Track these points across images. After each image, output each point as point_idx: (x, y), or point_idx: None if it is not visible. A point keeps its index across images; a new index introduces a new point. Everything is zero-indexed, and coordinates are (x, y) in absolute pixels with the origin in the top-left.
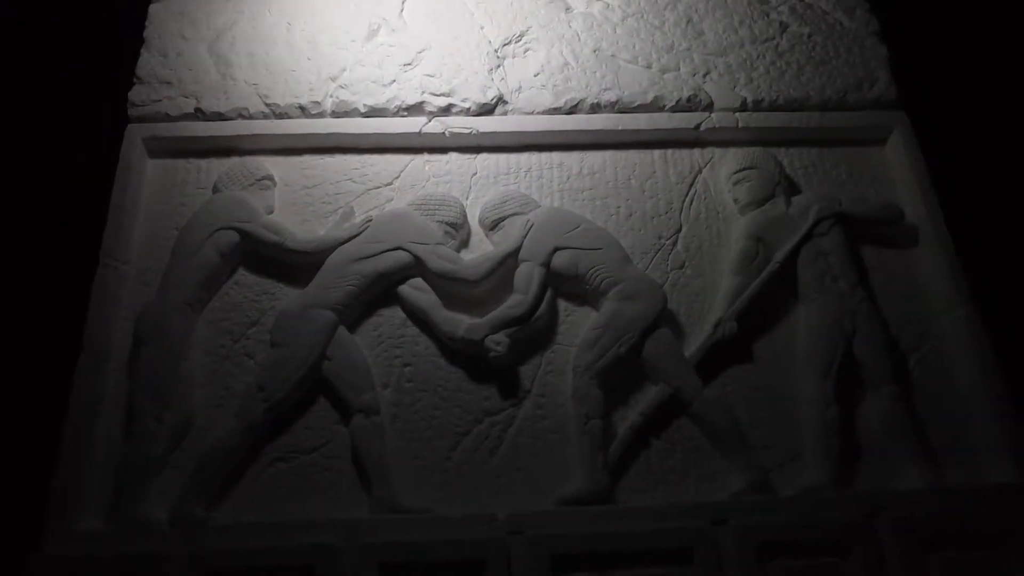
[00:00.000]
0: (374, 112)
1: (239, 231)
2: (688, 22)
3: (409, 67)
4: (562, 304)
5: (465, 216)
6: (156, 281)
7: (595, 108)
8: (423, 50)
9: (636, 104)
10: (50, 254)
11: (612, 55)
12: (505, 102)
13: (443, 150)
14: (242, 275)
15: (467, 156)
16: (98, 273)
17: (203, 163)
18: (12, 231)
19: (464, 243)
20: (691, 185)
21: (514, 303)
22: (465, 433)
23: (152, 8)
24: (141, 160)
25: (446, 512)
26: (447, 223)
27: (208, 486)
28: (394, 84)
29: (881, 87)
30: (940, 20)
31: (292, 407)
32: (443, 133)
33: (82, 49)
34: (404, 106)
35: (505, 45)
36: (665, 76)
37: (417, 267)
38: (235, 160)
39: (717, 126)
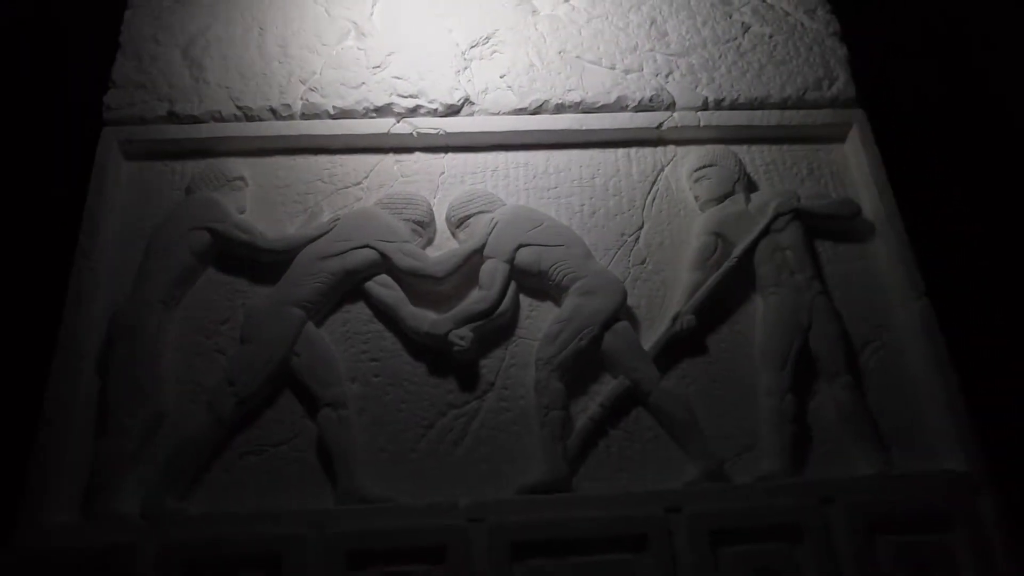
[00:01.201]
0: (343, 114)
1: (211, 231)
2: (652, 23)
3: (378, 69)
4: (526, 299)
5: (432, 214)
6: (130, 280)
7: (560, 108)
8: (392, 53)
9: (600, 104)
10: (25, 254)
11: (577, 56)
12: (472, 103)
13: (411, 150)
14: (213, 274)
15: (435, 156)
16: (73, 273)
17: (177, 165)
18: None
19: (430, 241)
20: (653, 183)
21: (478, 299)
22: (430, 425)
23: (127, 14)
24: (117, 162)
25: (410, 501)
26: (414, 221)
27: (179, 479)
28: (363, 86)
29: (840, 86)
30: (898, 21)
31: (262, 401)
32: (411, 134)
33: (57, 53)
34: (373, 107)
35: (472, 47)
36: (628, 76)
37: (384, 264)
38: (207, 162)
39: (679, 125)
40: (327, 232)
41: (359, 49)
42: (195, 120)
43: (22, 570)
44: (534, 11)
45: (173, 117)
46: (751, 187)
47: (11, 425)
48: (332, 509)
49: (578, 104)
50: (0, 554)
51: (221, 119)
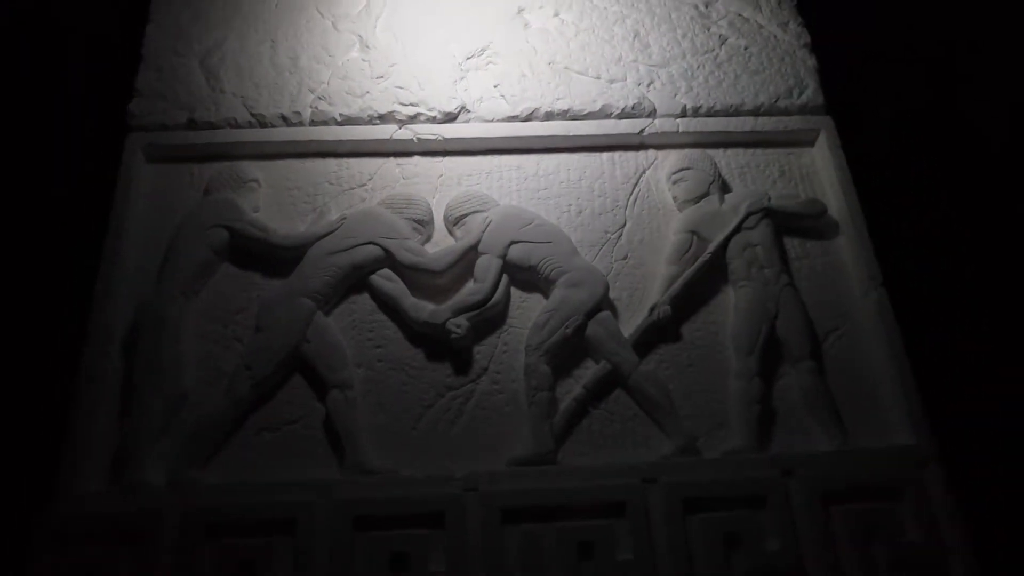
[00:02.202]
0: (349, 120)
1: (229, 228)
2: (635, 36)
3: (381, 80)
4: (516, 291)
5: (431, 213)
6: (153, 274)
7: (549, 116)
8: (394, 64)
9: (586, 112)
10: (56, 251)
11: (565, 67)
12: (468, 111)
13: (411, 154)
14: (230, 268)
15: (433, 159)
16: (102, 268)
17: (196, 167)
18: (22, 231)
19: (429, 238)
20: (635, 185)
21: (473, 291)
22: (429, 406)
23: (148, 28)
24: (140, 165)
25: (411, 473)
26: (414, 220)
27: (200, 452)
28: (367, 95)
29: (809, 94)
30: (864, 34)
31: (275, 384)
32: (412, 139)
33: (82, 65)
34: (376, 115)
35: (468, 59)
36: (613, 86)
37: (387, 260)
38: (224, 165)
39: (659, 131)
40: (335, 230)
41: (364, 61)
42: (212, 126)
43: (61, 532)
44: (526, 25)
45: (192, 124)
46: (725, 188)
47: (46, 407)
48: (342, 479)
49: (566, 112)
50: (41, 519)
51: (236, 125)
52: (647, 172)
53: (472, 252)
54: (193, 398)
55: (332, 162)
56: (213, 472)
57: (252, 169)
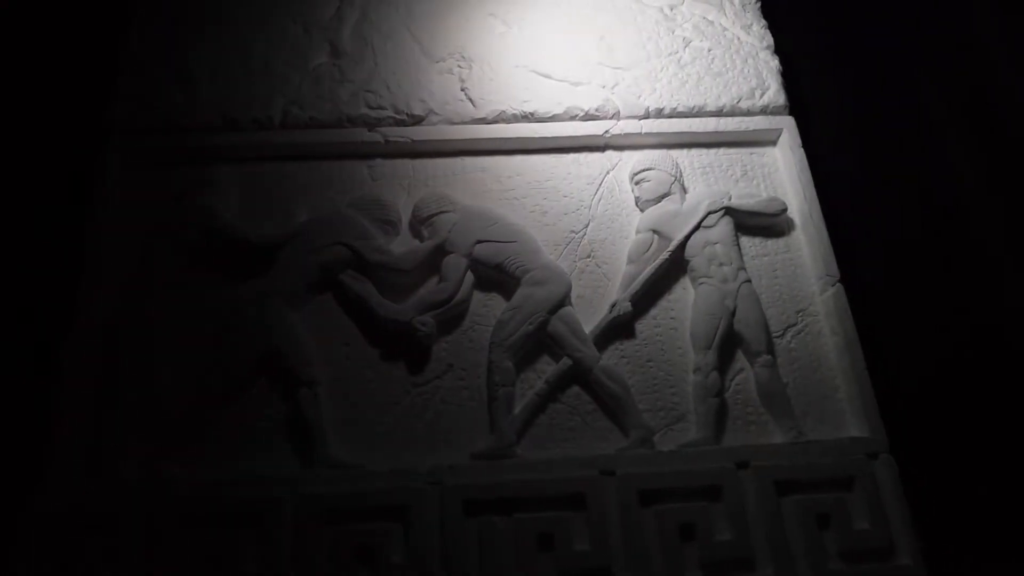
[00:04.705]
0: (319, 124)
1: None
2: (601, 39)
3: (352, 84)
4: (482, 290)
5: (399, 214)
6: (130, 277)
7: (515, 118)
8: (365, 68)
9: (551, 114)
10: (34, 256)
11: (531, 71)
12: (436, 114)
13: (382, 156)
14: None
15: (402, 161)
16: (86, 269)
17: (173, 171)
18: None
19: (397, 238)
20: (599, 185)
21: (439, 289)
22: (396, 402)
23: (130, 33)
24: (119, 169)
25: (377, 467)
26: (383, 220)
27: (176, 447)
28: (338, 99)
29: (771, 95)
30: (826, 36)
31: (246, 381)
32: (381, 141)
33: (62, 67)
34: (347, 118)
35: (437, 63)
36: (578, 88)
37: (355, 260)
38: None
39: (623, 132)
40: (302, 232)
41: (334, 65)
42: (188, 131)
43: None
44: (494, 29)
45: (169, 128)
46: (686, 188)
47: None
48: (309, 473)
49: (532, 114)
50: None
51: (212, 130)
52: (611, 173)
53: (439, 251)
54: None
55: (303, 164)
56: (188, 464)
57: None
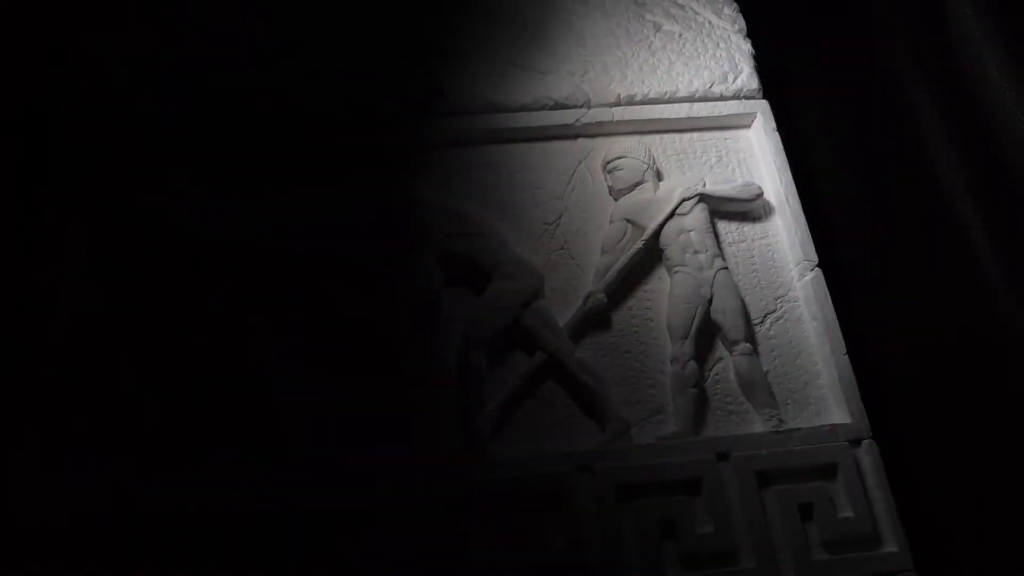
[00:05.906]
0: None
1: None
2: (569, 27)
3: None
4: (453, 285)
5: None
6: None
7: (486, 109)
8: (330, 65)
9: (520, 104)
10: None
11: (501, 60)
12: (410, 107)
13: None
14: None
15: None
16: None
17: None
18: None
19: None
20: (572, 176)
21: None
22: None
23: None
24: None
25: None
26: None
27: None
28: (304, 99)
29: (744, 79)
30: (799, 18)
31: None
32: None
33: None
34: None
35: (406, 57)
36: (547, 78)
37: None
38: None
39: (594, 121)
40: None
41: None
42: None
43: None
44: (463, 20)
45: None
46: (660, 175)
47: None
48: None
49: (502, 105)
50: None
51: None
52: (583, 162)
53: None
54: None
55: None
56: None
57: None
